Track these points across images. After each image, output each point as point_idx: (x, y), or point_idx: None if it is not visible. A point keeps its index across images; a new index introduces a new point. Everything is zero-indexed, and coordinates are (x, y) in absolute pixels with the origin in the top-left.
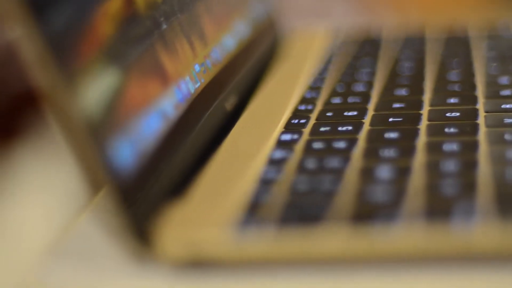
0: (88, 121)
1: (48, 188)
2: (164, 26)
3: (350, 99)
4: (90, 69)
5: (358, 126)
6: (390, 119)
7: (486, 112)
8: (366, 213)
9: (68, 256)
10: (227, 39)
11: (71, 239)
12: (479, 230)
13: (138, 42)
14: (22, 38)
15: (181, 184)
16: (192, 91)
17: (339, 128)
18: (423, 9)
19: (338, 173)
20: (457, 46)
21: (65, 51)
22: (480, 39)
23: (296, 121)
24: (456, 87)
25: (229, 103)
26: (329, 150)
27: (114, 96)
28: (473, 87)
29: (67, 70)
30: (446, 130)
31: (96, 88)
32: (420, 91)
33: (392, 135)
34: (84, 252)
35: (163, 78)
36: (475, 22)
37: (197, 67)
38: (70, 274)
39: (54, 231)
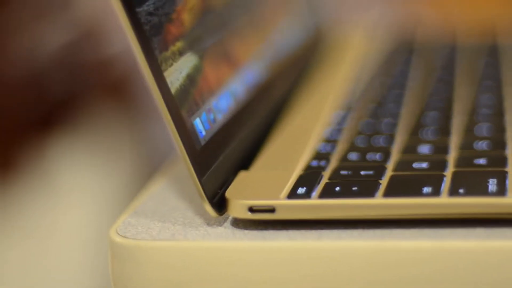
0: (171, 98)
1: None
2: (236, 21)
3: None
4: (174, 53)
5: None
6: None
7: None
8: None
9: (147, 214)
10: (282, 38)
11: (148, 200)
12: None
13: (214, 32)
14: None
15: (248, 156)
16: (258, 79)
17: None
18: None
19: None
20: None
21: (156, 37)
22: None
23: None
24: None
25: (282, 94)
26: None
27: (193, 76)
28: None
29: (156, 53)
30: None
31: (177, 70)
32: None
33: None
34: (160, 210)
35: (234, 64)
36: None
37: (261, 59)
38: (150, 230)
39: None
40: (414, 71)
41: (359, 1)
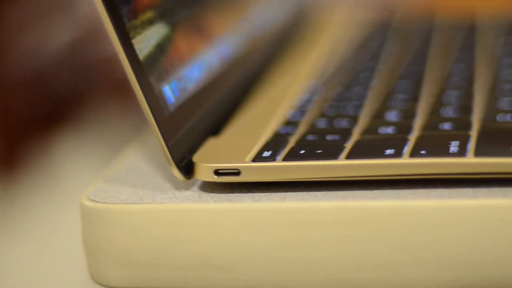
0: (139, 65)
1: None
2: None
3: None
4: (144, 22)
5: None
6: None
7: None
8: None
9: (118, 180)
10: (259, 11)
11: (122, 167)
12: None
13: (187, 3)
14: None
15: (216, 124)
16: (230, 50)
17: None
18: None
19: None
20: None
21: (125, 6)
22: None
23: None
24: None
25: (256, 67)
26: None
27: (162, 45)
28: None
29: (125, 22)
30: None
31: (147, 37)
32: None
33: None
34: (131, 177)
35: (207, 36)
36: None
37: (235, 31)
38: (120, 194)
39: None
40: (390, 47)
41: None
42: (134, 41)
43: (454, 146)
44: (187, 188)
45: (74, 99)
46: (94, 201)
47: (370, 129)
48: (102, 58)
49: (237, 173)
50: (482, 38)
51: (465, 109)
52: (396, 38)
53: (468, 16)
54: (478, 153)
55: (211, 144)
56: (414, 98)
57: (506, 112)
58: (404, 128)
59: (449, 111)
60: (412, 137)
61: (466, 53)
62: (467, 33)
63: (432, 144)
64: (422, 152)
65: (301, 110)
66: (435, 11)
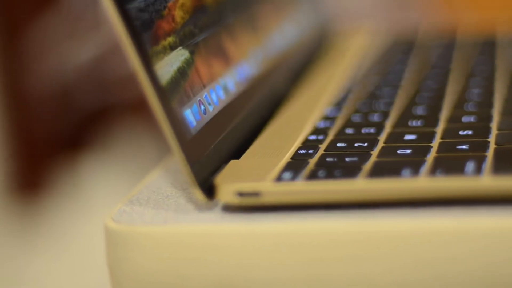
0: (161, 90)
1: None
2: (229, 19)
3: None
4: (165, 47)
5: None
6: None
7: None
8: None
9: (142, 203)
10: (280, 35)
11: (146, 190)
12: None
13: (206, 28)
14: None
15: (238, 146)
16: (250, 74)
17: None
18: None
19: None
20: (486, 53)
21: (146, 33)
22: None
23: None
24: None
25: (279, 89)
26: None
27: (183, 70)
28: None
29: (147, 47)
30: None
31: (168, 63)
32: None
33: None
34: (154, 199)
35: (226, 60)
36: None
37: (254, 55)
38: (143, 216)
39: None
40: (411, 65)
41: (363, 8)
42: (156, 67)
43: (469, 167)
44: (210, 209)
45: (98, 117)
46: (118, 222)
47: (389, 149)
48: (125, 74)
49: (258, 194)
50: (502, 52)
51: (483, 128)
52: (416, 56)
53: (488, 32)
54: (494, 173)
55: (233, 166)
56: (433, 117)
57: None
58: (421, 149)
59: (468, 131)
60: (430, 158)
61: (485, 68)
62: (486, 50)
63: (449, 164)
64: (439, 172)
65: (321, 133)
66: (455, 30)
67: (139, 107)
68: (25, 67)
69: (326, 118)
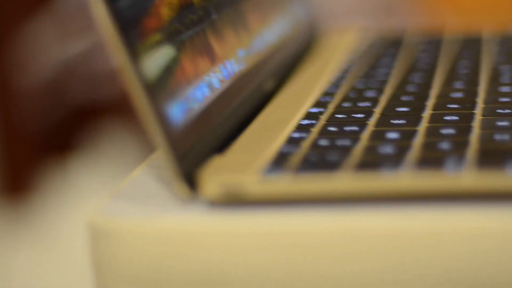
0: (148, 86)
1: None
2: (214, 16)
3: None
4: (151, 44)
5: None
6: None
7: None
8: (374, 162)
9: (125, 198)
10: (267, 33)
11: (130, 185)
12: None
13: (192, 26)
14: (100, 18)
15: (222, 142)
16: (236, 71)
17: (353, 115)
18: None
19: (353, 136)
20: (471, 49)
21: (133, 29)
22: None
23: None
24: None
25: (266, 86)
26: (347, 122)
27: (169, 67)
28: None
29: (133, 44)
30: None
31: (155, 59)
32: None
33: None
34: (140, 194)
35: (212, 57)
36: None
37: (240, 53)
38: (126, 211)
39: None
40: (398, 61)
41: (352, 11)
42: (141, 63)
43: (451, 162)
44: (194, 204)
45: (84, 117)
46: (101, 217)
47: (373, 143)
48: (108, 73)
49: (241, 186)
50: (486, 49)
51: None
52: (404, 53)
53: (473, 33)
54: (476, 168)
55: (217, 162)
56: (415, 120)
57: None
58: (404, 144)
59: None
60: (413, 154)
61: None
62: (472, 47)
63: (431, 159)
64: (422, 166)
65: (305, 128)
66: (440, 31)
67: (124, 106)
68: (13, 67)
69: (311, 114)
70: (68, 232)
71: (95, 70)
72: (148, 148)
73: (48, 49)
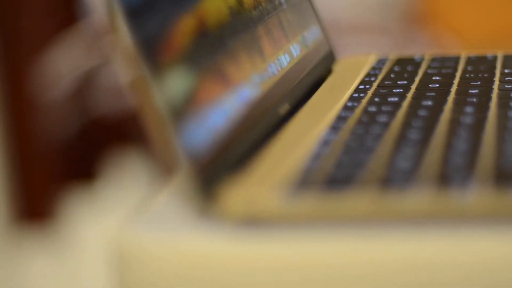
0: (170, 108)
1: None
2: (231, 44)
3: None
4: (172, 68)
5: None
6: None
7: None
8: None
9: (153, 217)
10: (283, 58)
11: (155, 205)
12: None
13: (210, 52)
14: (121, 42)
15: (244, 160)
16: (253, 95)
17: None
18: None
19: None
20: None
21: (155, 52)
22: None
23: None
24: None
25: (283, 109)
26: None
27: (191, 89)
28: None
29: (155, 67)
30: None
31: (175, 83)
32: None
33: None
34: (165, 214)
35: (229, 82)
36: None
37: (256, 78)
38: (153, 230)
39: None
40: (412, 85)
41: (365, 43)
42: (160, 90)
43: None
44: (215, 225)
45: (109, 136)
46: (127, 239)
47: (386, 166)
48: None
49: (262, 209)
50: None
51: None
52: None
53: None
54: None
55: (239, 183)
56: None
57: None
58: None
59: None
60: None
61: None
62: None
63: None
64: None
65: (326, 145)
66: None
67: (142, 136)
68: (40, 86)
69: (329, 132)
70: (90, 254)
71: (120, 87)
72: (166, 169)
73: (73, 69)
